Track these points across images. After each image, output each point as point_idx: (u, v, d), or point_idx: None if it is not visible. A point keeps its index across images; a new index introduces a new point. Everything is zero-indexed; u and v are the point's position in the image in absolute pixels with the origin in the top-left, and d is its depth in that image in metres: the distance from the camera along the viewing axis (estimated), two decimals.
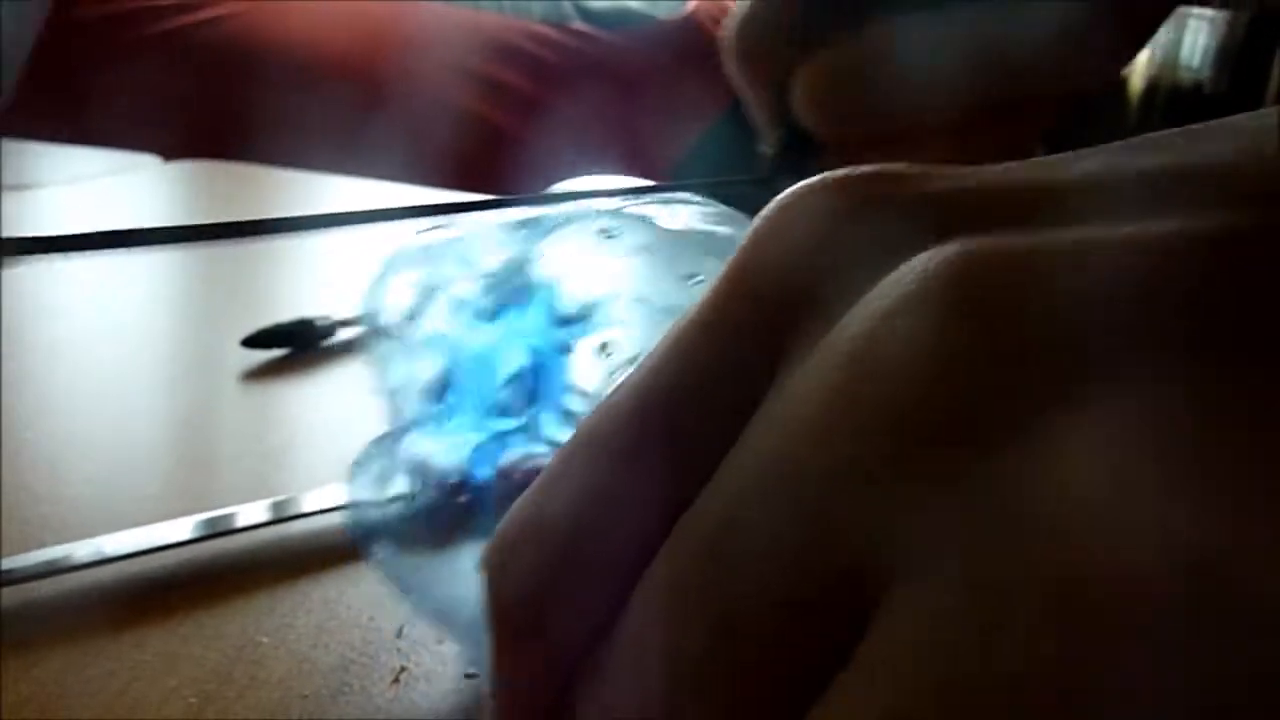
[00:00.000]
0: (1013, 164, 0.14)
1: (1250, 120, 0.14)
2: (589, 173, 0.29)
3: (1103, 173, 0.13)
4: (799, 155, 0.27)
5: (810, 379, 0.12)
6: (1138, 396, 0.11)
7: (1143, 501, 0.10)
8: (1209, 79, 1.84)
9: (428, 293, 0.25)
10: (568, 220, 0.24)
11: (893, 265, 0.12)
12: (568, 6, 1.58)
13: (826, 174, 0.14)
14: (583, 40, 1.55)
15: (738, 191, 0.27)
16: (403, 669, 0.28)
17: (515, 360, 0.23)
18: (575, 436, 0.14)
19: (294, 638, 0.29)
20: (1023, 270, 0.12)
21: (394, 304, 0.26)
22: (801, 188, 0.14)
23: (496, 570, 0.14)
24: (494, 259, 0.24)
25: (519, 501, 0.14)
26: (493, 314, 0.23)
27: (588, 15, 1.58)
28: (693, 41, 1.66)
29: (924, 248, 0.12)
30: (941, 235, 0.12)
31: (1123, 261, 0.12)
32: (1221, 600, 0.09)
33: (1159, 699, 0.09)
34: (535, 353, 0.23)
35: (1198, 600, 0.09)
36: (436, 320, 0.25)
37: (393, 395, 0.26)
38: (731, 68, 0.29)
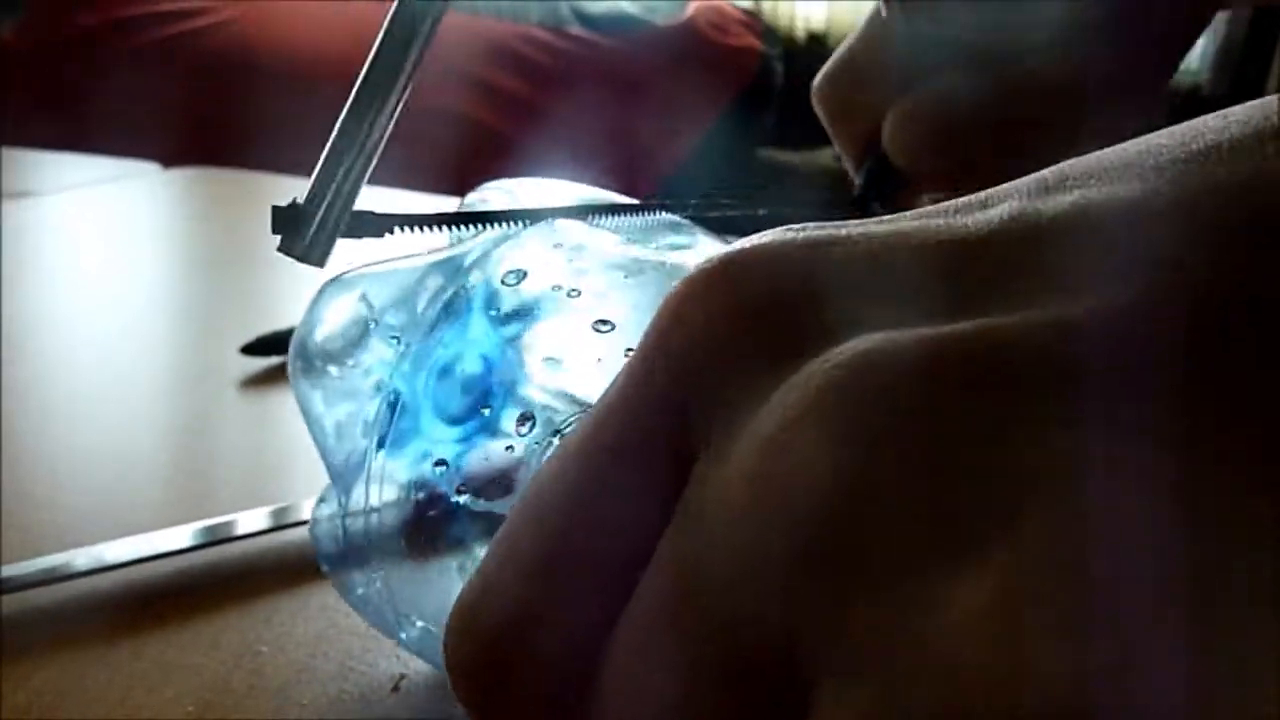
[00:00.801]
0: (921, 215, 0.14)
1: (1145, 156, 0.13)
2: (538, 175, 0.29)
3: (1009, 227, 0.13)
4: (886, 186, 0.31)
5: (717, 495, 0.12)
6: (1031, 524, 0.11)
7: (1030, 639, 0.10)
8: (1208, 80, 1.84)
9: (362, 322, 0.25)
10: (478, 260, 0.24)
11: (787, 363, 0.12)
12: (565, 10, 1.58)
13: (719, 259, 0.14)
14: (580, 45, 1.55)
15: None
16: (402, 677, 0.28)
17: (466, 369, 0.23)
18: (516, 512, 0.14)
19: (293, 645, 0.29)
20: (907, 378, 0.12)
21: (329, 334, 0.26)
22: (700, 274, 0.14)
23: (453, 645, 0.14)
24: (424, 287, 0.24)
25: (470, 579, 0.15)
26: (432, 333, 0.23)
27: (585, 19, 1.58)
28: (690, 47, 1.66)
29: (814, 346, 0.12)
30: (832, 329, 0.12)
31: (1010, 359, 0.11)
32: None
33: None
34: (484, 359, 0.23)
35: None
36: (376, 349, 0.25)
37: (335, 428, 0.26)
38: (821, 111, 0.32)
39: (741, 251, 0.14)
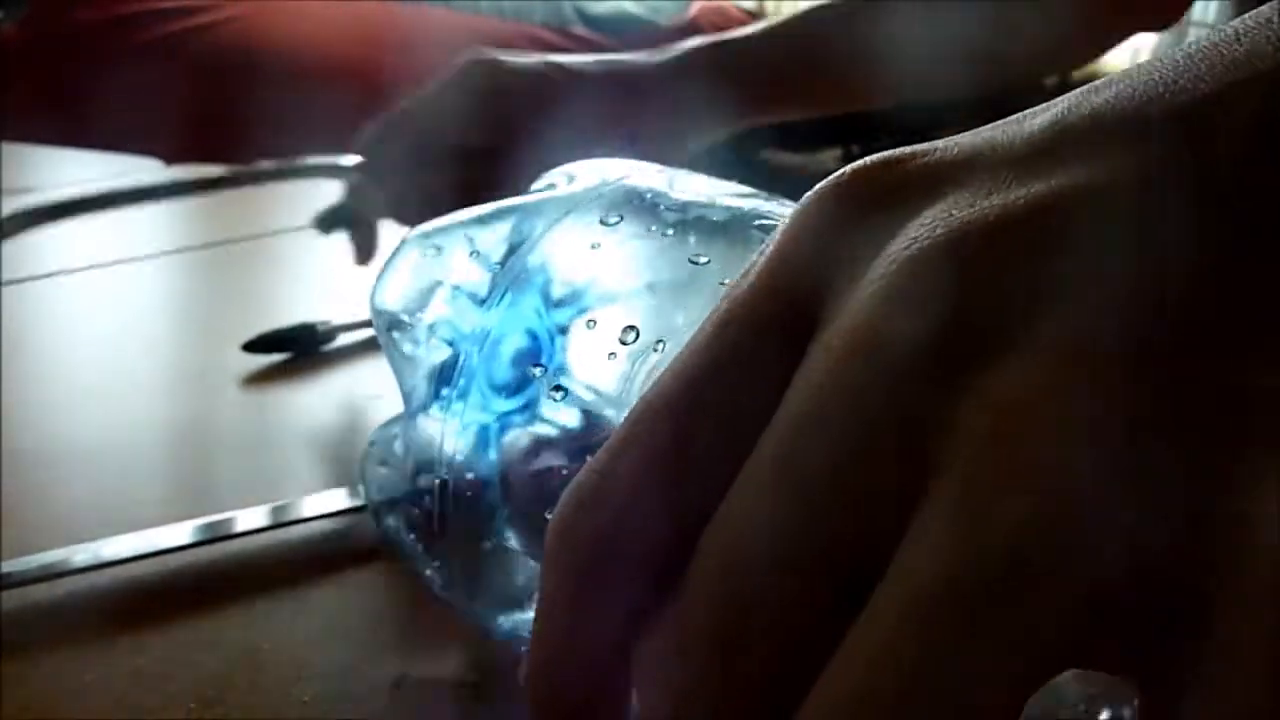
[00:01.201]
0: (998, 125, 0.16)
1: (1179, 49, 0.15)
2: (543, 173, 0.30)
3: (1061, 117, 0.15)
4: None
5: (837, 323, 0.14)
6: (1077, 330, 0.13)
7: (1075, 409, 0.13)
8: None
9: (433, 280, 0.26)
10: (570, 209, 0.25)
11: (888, 236, 0.15)
12: (569, 10, 1.58)
13: (841, 171, 0.16)
14: (583, 45, 1.55)
15: None
16: (403, 675, 0.28)
17: (515, 343, 0.24)
18: (634, 413, 0.16)
19: (294, 643, 0.29)
20: (986, 226, 0.14)
21: (401, 291, 0.27)
22: (818, 190, 0.16)
23: (561, 534, 0.15)
24: (496, 245, 0.25)
25: (582, 472, 0.16)
26: (494, 299, 0.24)
27: (589, 20, 1.58)
28: None
29: (921, 209, 0.15)
30: (925, 207, 0.15)
31: (1054, 214, 0.14)
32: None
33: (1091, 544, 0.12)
34: (532, 335, 0.23)
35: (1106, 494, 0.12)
36: (440, 307, 0.26)
37: (402, 380, 0.27)
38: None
39: (854, 169, 0.16)
